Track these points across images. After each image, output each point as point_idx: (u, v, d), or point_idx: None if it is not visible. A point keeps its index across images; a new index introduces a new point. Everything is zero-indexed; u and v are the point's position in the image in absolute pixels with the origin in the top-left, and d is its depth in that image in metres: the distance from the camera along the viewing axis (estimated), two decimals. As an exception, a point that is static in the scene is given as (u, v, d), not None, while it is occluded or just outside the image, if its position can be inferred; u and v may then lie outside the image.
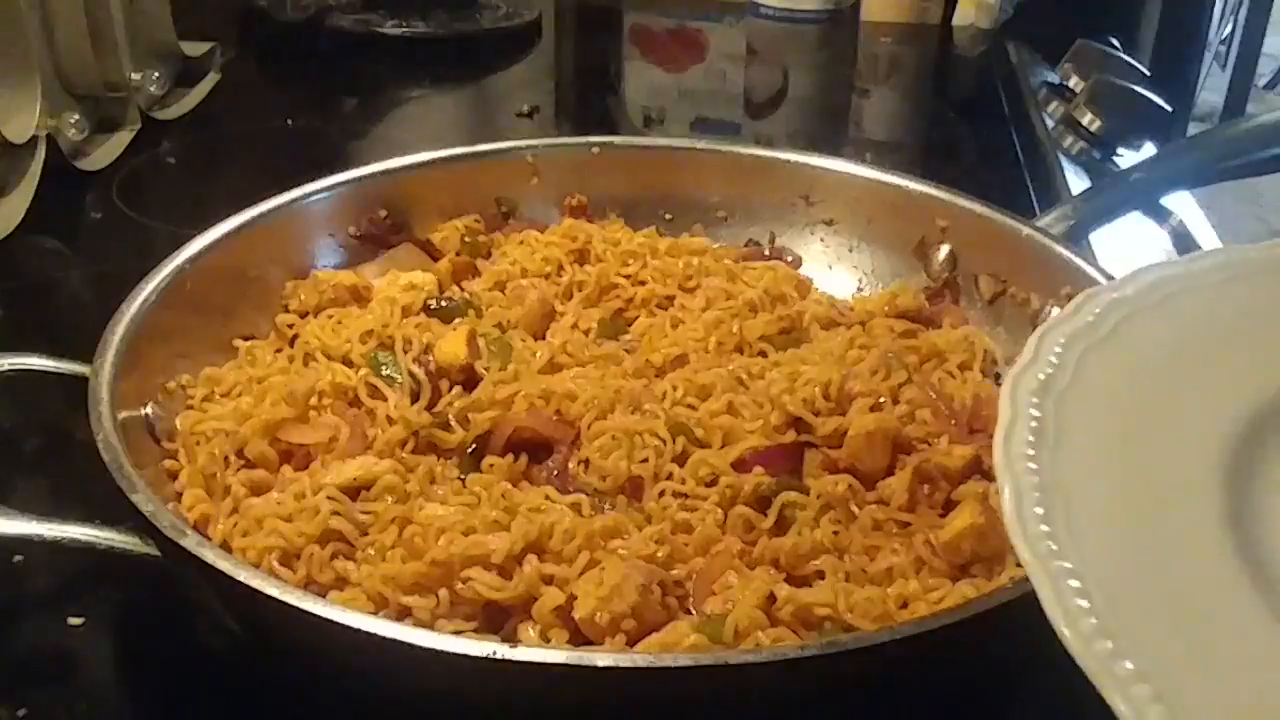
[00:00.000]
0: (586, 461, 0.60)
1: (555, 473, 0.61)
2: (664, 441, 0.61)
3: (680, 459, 0.60)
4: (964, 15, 1.54)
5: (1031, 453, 0.42)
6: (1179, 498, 0.41)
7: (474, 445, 0.62)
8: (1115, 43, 1.36)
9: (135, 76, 1.12)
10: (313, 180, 0.79)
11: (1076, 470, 0.41)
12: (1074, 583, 0.37)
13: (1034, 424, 0.43)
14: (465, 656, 0.44)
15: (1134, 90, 1.19)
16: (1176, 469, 0.43)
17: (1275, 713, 0.35)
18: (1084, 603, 0.37)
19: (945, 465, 0.60)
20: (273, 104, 1.33)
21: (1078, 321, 0.49)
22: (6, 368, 0.62)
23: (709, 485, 0.59)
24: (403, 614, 0.52)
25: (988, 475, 0.61)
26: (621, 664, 0.45)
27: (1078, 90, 1.22)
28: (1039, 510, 0.40)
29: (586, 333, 0.73)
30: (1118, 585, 0.37)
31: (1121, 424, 0.44)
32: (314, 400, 0.65)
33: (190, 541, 0.49)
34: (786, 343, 0.71)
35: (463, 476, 0.61)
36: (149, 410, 0.63)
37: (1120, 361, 0.47)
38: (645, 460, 0.60)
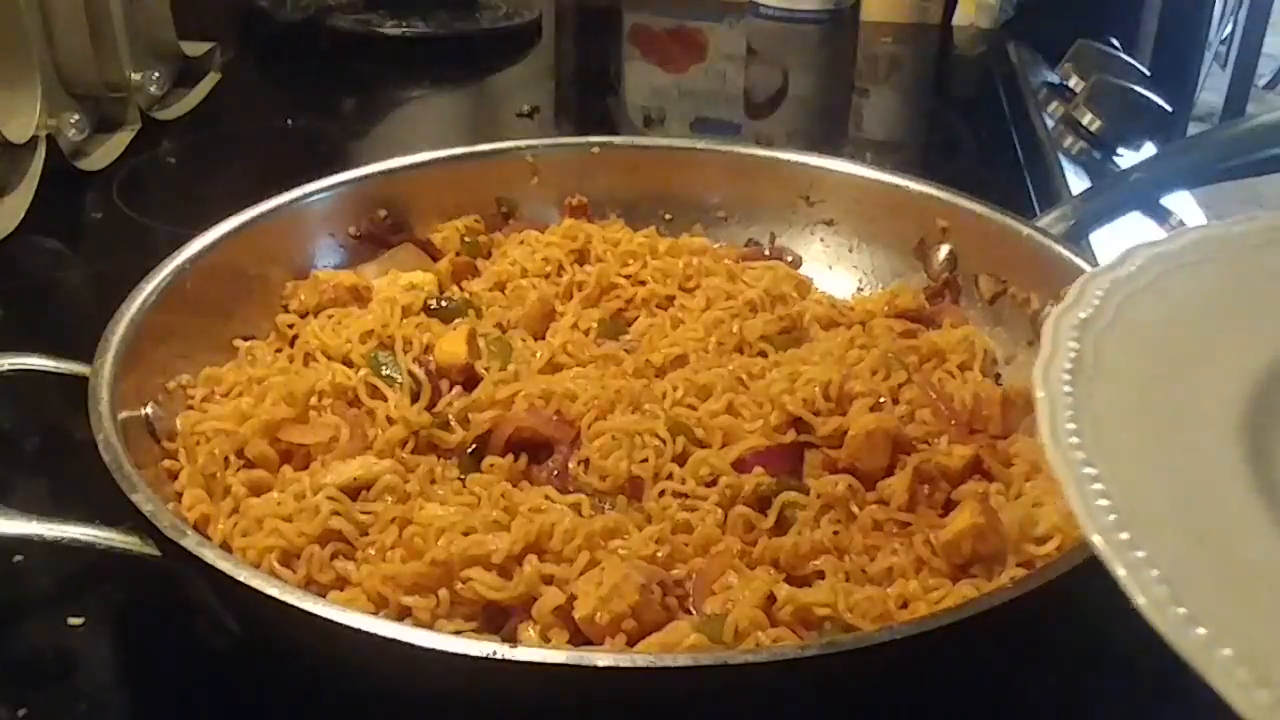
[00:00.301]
0: (586, 461, 0.60)
1: (555, 473, 0.61)
2: (664, 441, 0.61)
3: (680, 459, 0.60)
4: (964, 15, 1.54)
5: (1068, 379, 0.44)
6: (1202, 424, 0.44)
7: (474, 445, 0.62)
8: (1115, 43, 1.36)
9: (135, 76, 1.12)
10: (313, 180, 0.79)
11: (1108, 396, 0.44)
12: (1098, 486, 0.40)
13: (1072, 356, 0.46)
14: (465, 656, 0.44)
15: (1134, 90, 1.19)
16: (1202, 402, 0.45)
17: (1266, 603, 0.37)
18: (1105, 502, 0.39)
19: (945, 465, 0.60)
20: (273, 104, 1.33)
21: (1120, 271, 0.51)
22: (6, 368, 0.62)
23: (709, 485, 0.59)
24: (403, 614, 0.52)
25: (988, 475, 0.61)
26: (621, 664, 0.45)
27: (1078, 90, 1.22)
28: (1071, 426, 0.42)
29: (586, 333, 0.73)
30: (1139, 492, 0.40)
31: (1154, 362, 0.47)
32: (314, 400, 0.65)
33: (190, 541, 0.49)
34: (786, 343, 0.71)
35: (463, 476, 0.61)
36: (149, 410, 0.63)
37: (1157, 309, 0.49)
38: (645, 460, 0.60)
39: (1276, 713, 0.32)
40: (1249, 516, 0.40)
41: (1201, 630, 0.35)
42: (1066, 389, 0.44)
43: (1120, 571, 0.37)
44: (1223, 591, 0.37)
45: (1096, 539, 0.38)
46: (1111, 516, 0.38)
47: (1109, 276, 0.51)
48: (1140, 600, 0.36)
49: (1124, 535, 0.38)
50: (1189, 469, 0.42)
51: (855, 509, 0.59)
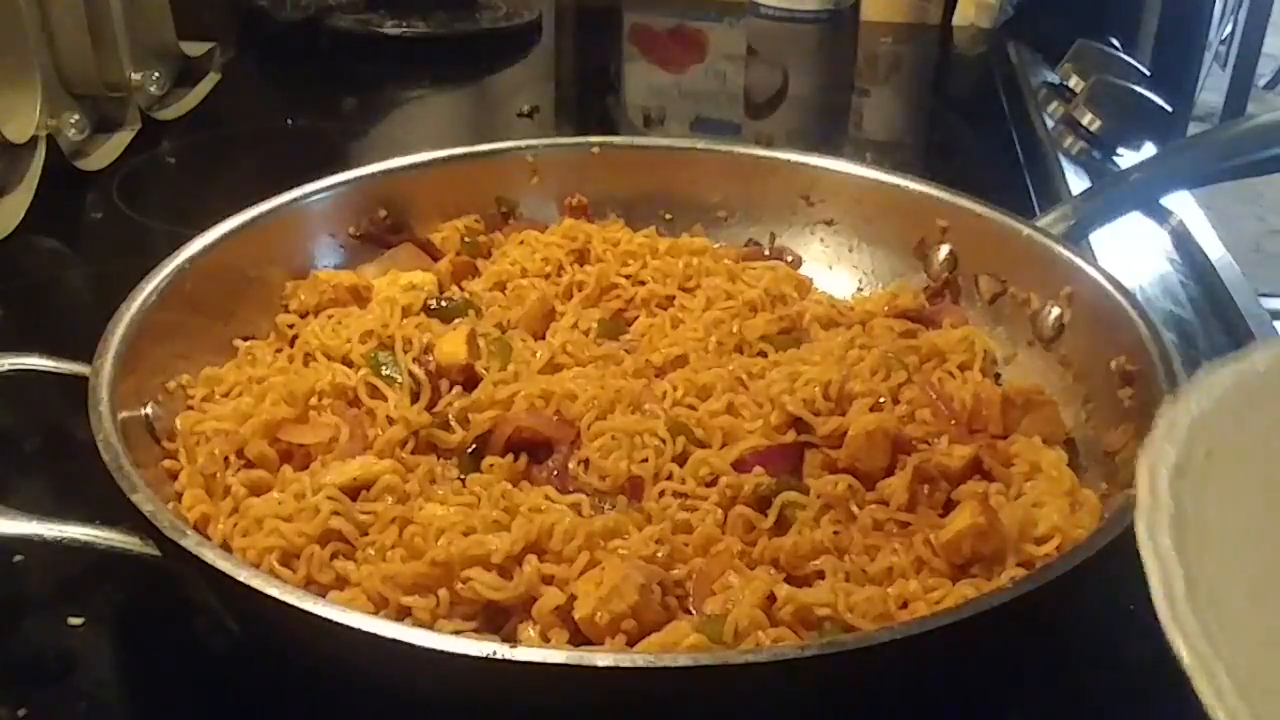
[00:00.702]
0: (586, 461, 0.60)
1: (555, 473, 0.61)
2: (664, 441, 0.61)
3: (680, 459, 0.60)
4: (964, 15, 1.54)
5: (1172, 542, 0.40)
6: None
7: (474, 445, 0.62)
8: (1115, 43, 1.36)
9: (135, 76, 1.12)
10: (313, 180, 0.79)
11: (1219, 562, 0.40)
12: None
13: (1171, 512, 0.42)
14: (465, 656, 0.44)
15: (1134, 90, 1.19)
16: None
17: None
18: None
19: (945, 465, 0.60)
20: (273, 104, 1.33)
21: (1204, 405, 0.46)
22: (6, 368, 0.62)
23: (709, 485, 0.59)
24: (403, 614, 0.52)
25: (988, 475, 0.61)
26: (621, 664, 0.45)
27: (1078, 90, 1.22)
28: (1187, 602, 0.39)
29: (586, 333, 0.73)
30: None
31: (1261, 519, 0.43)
32: (314, 400, 0.65)
33: (190, 541, 0.49)
34: (786, 343, 0.71)
35: (463, 476, 0.61)
36: (149, 410, 0.63)
37: (1253, 450, 0.45)
38: (645, 460, 0.60)
39: None
40: None
41: None
42: (1172, 552, 0.40)
43: None
44: None
45: None
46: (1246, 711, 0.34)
47: (1190, 413, 0.46)
48: None
49: None
50: None
51: (855, 509, 0.59)
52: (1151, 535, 0.41)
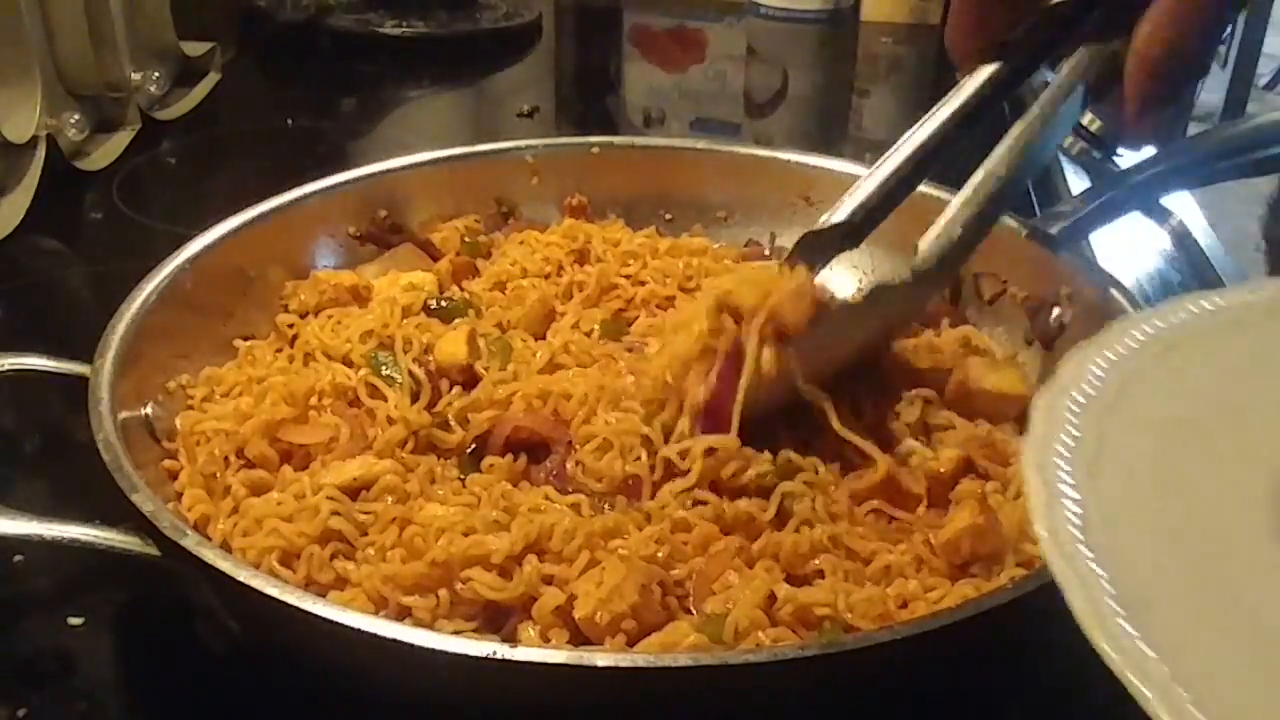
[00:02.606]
0: (582, 464, 0.60)
1: (554, 473, 0.61)
2: (650, 439, 0.60)
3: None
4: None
5: (1067, 466, 0.41)
6: (1223, 524, 0.41)
7: (474, 445, 0.62)
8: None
9: (135, 76, 1.12)
10: (313, 180, 0.79)
11: (1116, 491, 0.41)
12: (1109, 590, 0.37)
13: (1072, 438, 0.42)
14: (465, 656, 0.44)
15: (1134, 90, 1.18)
16: (1224, 501, 0.42)
17: None
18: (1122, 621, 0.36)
19: (934, 470, 0.60)
20: (273, 104, 1.33)
21: (1119, 347, 0.48)
22: (6, 368, 0.62)
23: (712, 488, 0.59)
24: (403, 614, 0.52)
25: (981, 475, 0.61)
26: (621, 664, 0.45)
27: (1078, 90, 1.22)
28: (1076, 521, 0.39)
29: (589, 334, 0.73)
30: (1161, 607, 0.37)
31: (1165, 453, 0.43)
32: (314, 400, 0.65)
33: (190, 541, 0.49)
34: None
35: (463, 476, 0.60)
36: (149, 410, 0.63)
37: (1163, 390, 0.46)
38: (639, 459, 0.60)
39: None
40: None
41: None
42: (1066, 477, 0.41)
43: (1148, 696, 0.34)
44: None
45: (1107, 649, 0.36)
46: (1124, 625, 0.36)
47: (1106, 353, 0.47)
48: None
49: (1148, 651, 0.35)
50: (1212, 571, 0.38)
51: (855, 508, 0.59)
52: (1038, 458, 0.41)
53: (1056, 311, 0.72)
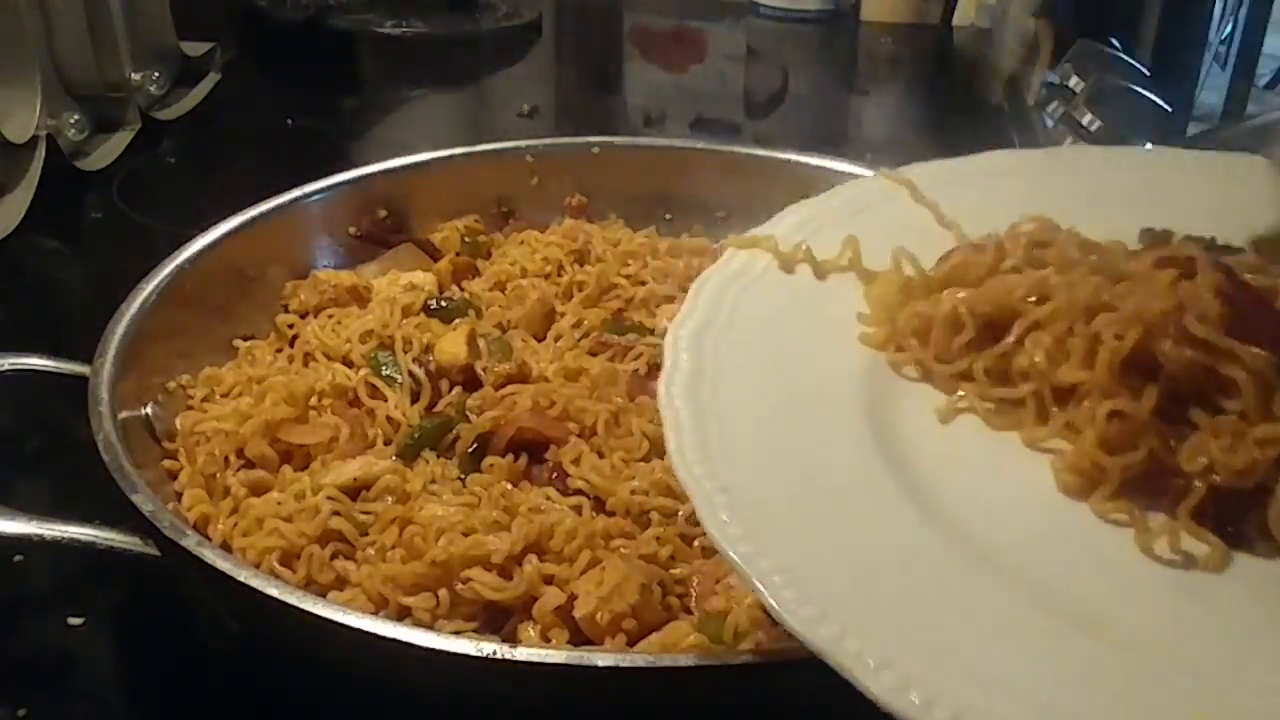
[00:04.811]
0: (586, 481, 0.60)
1: (556, 473, 0.60)
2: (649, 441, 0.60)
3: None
4: (964, 15, 1.54)
5: (686, 393, 0.47)
6: (820, 412, 0.48)
7: (474, 445, 0.62)
8: (1115, 43, 1.36)
9: (135, 76, 1.12)
10: (313, 180, 0.79)
11: (729, 402, 0.47)
12: (723, 499, 0.42)
13: (688, 367, 0.49)
14: (465, 656, 0.44)
15: (1134, 90, 1.18)
16: (819, 392, 0.49)
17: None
18: (727, 516, 0.42)
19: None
20: (273, 104, 1.33)
21: (728, 269, 0.56)
22: (6, 368, 0.62)
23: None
24: (403, 614, 0.52)
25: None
26: (621, 664, 0.45)
27: (1078, 90, 1.22)
28: (695, 440, 0.45)
29: (588, 334, 0.73)
30: (764, 500, 0.43)
31: (769, 359, 0.50)
32: (314, 400, 0.65)
33: (190, 541, 0.49)
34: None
35: (463, 476, 0.60)
36: (149, 410, 0.63)
37: (767, 303, 0.54)
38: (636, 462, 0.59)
39: (902, 695, 0.36)
40: (872, 503, 0.43)
41: (831, 628, 0.38)
42: (684, 403, 0.47)
43: (750, 578, 0.39)
44: (849, 587, 0.40)
45: (727, 550, 0.41)
46: (737, 529, 0.41)
47: (718, 276, 0.55)
48: (772, 605, 0.39)
49: (750, 547, 0.40)
50: (811, 464, 0.45)
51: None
52: (669, 392, 0.47)
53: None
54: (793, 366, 0.50)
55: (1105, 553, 0.43)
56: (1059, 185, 0.60)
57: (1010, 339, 0.49)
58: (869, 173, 0.83)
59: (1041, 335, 0.48)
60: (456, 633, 0.50)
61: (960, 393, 0.50)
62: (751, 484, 0.43)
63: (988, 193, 0.60)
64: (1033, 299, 0.49)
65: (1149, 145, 1.13)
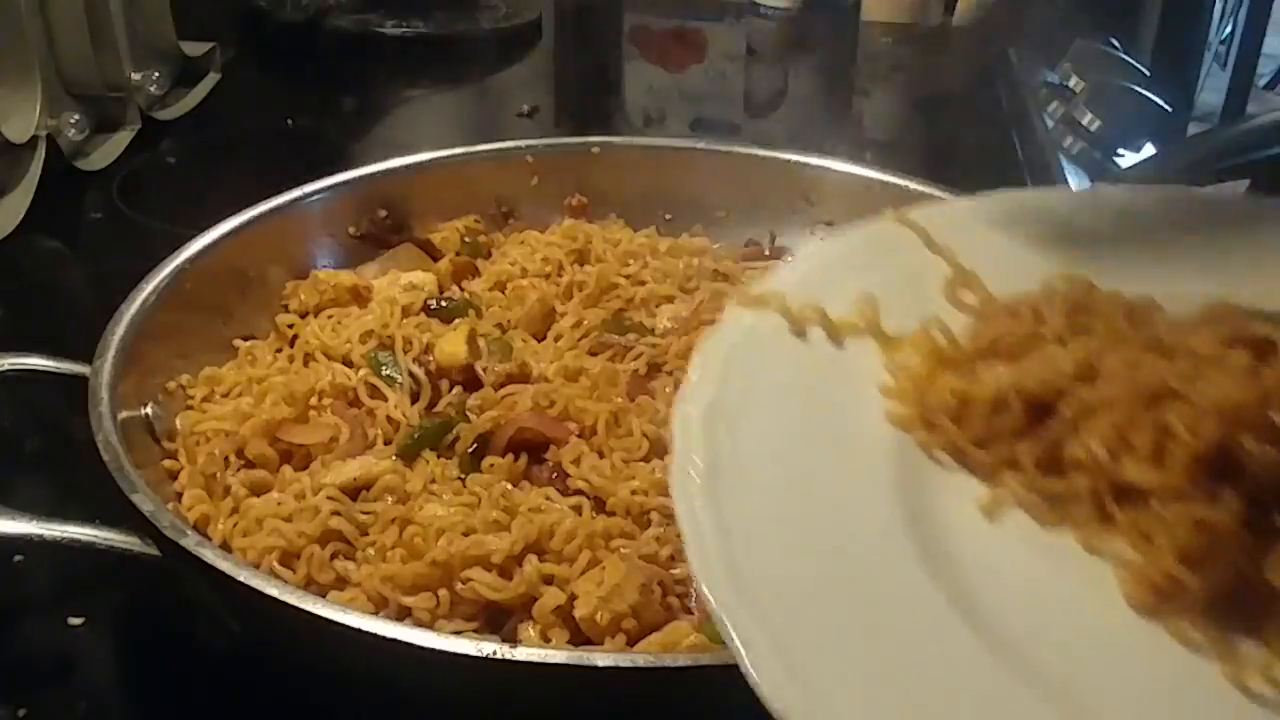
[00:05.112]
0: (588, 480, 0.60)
1: (556, 473, 0.60)
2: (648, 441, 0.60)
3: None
4: (964, 15, 1.54)
5: (702, 481, 0.42)
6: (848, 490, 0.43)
7: (474, 445, 0.62)
8: (1115, 43, 1.36)
9: (135, 76, 1.12)
10: (313, 180, 0.79)
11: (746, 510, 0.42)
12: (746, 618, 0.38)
13: (704, 451, 0.43)
14: (465, 656, 0.44)
15: (1134, 90, 1.19)
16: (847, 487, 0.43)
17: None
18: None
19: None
20: (273, 104, 1.33)
21: (732, 337, 0.49)
22: (6, 368, 0.62)
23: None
24: (403, 614, 0.52)
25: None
26: (621, 664, 0.45)
27: (1078, 90, 1.22)
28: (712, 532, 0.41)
29: (588, 334, 0.73)
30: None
31: (788, 444, 0.45)
32: (314, 400, 0.65)
33: (190, 541, 0.49)
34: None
35: (463, 476, 0.60)
36: (149, 410, 0.63)
37: (776, 375, 0.48)
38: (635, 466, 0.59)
39: None
40: (923, 629, 0.38)
41: None
42: (703, 503, 0.42)
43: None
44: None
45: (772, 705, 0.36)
46: (779, 674, 0.37)
47: (725, 342, 0.49)
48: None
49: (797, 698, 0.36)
50: (849, 579, 0.40)
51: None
52: (685, 490, 0.42)
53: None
54: (815, 453, 0.45)
55: (1185, 684, 0.37)
56: (1083, 232, 0.55)
57: (1060, 424, 0.44)
58: (870, 172, 0.83)
59: (1098, 422, 0.43)
60: (456, 633, 0.50)
61: (1003, 483, 0.44)
62: (787, 615, 0.38)
63: (1007, 239, 0.55)
64: (1084, 378, 0.44)
65: (1150, 144, 1.14)
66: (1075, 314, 0.48)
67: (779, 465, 0.44)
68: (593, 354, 0.69)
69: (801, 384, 0.48)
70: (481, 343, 0.68)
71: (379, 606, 0.52)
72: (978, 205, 0.58)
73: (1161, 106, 1.16)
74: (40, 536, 0.54)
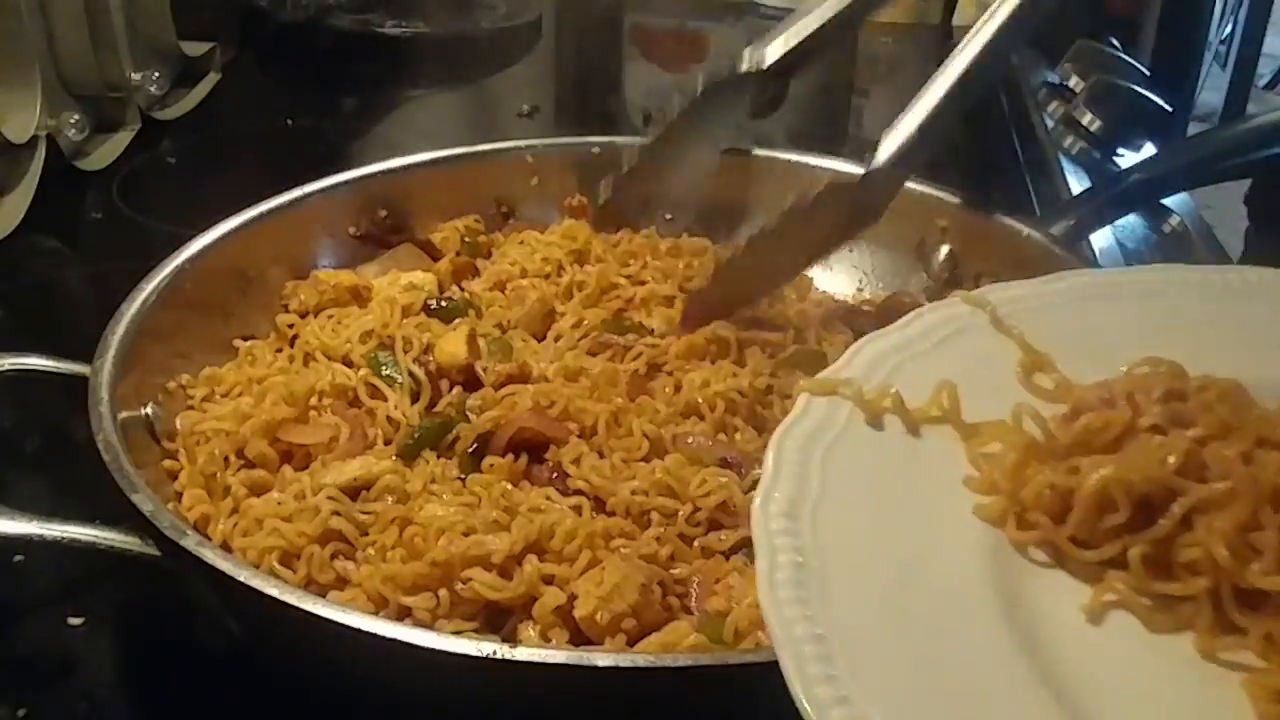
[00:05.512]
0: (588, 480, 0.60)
1: (556, 473, 0.61)
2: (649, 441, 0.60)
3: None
4: (964, 15, 1.54)
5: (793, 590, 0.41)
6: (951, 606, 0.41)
7: (474, 445, 0.62)
8: (1115, 43, 1.36)
9: (135, 76, 1.12)
10: (313, 180, 0.79)
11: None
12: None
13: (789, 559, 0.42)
14: (465, 656, 0.44)
15: (1134, 90, 1.18)
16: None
17: None
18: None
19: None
20: (273, 104, 1.33)
21: (814, 422, 0.48)
22: (6, 368, 0.62)
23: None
24: (403, 614, 0.52)
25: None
26: (621, 664, 0.45)
27: (1078, 90, 1.22)
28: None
29: (588, 334, 0.73)
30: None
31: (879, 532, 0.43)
32: (314, 400, 0.65)
33: (190, 541, 0.49)
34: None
35: (463, 476, 0.60)
36: (149, 410, 0.63)
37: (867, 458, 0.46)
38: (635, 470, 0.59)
39: None
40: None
41: None
42: (794, 611, 0.40)
43: None
44: None
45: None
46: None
47: (798, 433, 0.47)
48: None
49: None
50: (952, 688, 0.38)
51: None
52: (774, 597, 0.40)
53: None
54: (903, 553, 0.43)
55: None
56: (1156, 314, 0.53)
57: (1170, 521, 0.41)
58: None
59: (1216, 521, 0.40)
60: (456, 633, 0.50)
61: (1108, 583, 0.42)
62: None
63: (1078, 322, 0.53)
64: (1193, 473, 0.42)
65: (1150, 144, 1.13)
66: (1170, 401, 0.45)
67: (867, 567, 0.42)
68: (592, 354, 0.69)
69: (882, 477, 0.46)
70: (481, 343, 0.68)
71: (379, 606, 0.52)
72: (1043, 285, 0.57)
73: (1161, 106, 1.16)
74: (40, 536, 0.54)
